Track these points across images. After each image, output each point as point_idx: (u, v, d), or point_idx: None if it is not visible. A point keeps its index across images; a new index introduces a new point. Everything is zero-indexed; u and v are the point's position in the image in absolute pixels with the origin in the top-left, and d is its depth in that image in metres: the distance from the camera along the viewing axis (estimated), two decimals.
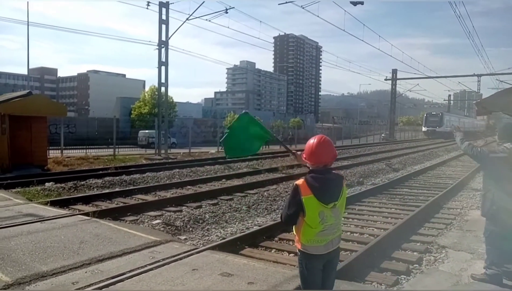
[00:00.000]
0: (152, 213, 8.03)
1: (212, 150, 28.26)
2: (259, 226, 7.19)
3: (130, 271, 4.17)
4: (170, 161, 18.91)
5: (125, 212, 8.05)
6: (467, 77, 54.43)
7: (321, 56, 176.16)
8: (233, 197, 10.04)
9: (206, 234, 6.89)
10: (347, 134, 49.50)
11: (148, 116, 38.07)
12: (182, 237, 6.58)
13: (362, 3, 18.08)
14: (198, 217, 7.75)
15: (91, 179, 12.05)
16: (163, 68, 21.83)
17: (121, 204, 9.00)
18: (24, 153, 14.08)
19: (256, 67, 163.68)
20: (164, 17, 21.30)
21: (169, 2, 21.37)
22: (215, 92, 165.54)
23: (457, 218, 7.87)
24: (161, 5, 21.15)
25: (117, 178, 12.51)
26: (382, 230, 6.86)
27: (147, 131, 33.64)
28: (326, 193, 2.64)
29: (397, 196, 10.55)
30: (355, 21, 23.44)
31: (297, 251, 2.83)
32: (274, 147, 35.38)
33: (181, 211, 8.30)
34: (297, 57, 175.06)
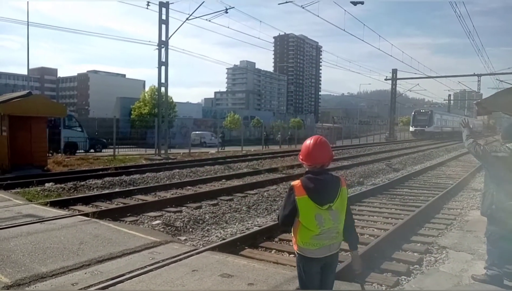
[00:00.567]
0: (152, 214, 8.02)
1: (212, 150, 28.26)
2: (259, 226, 7.19)
3: (129, 272, 4.16)
4: (170, 161, 18.90)
5: (125, 212, 8.03)
6: (467, 77, 54.29)
7: (321, 56, 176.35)
8: (233, 197, 10.03)
9: (206, 234, 6.88)
10: (347, 134, 49.49)
11: (148, 117, 38.04)
12: (182, 238, 6.57)
13: (362, 2, 18.08)
14: (198, 218, 7.74)
15: (91, 179, 12.04)
16: (163, 68, 21.82)
17: (121, 205, 8.99)
18: (24, 153, 14.06)
19: (256, 67, 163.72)
20: (164, 17, 21.29)
21: (169, 2, 21.36)
22: (215, 92, 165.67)
23: (458, 218, 7.86)
24: (161, 5, 21.14)
25: (117, 178, 12.50)
26: (382, 231, 6.85)
27: (199, 132, 36.12)
28: (321, 193, 2.61)
29: (397, 196, 10.54)
30: (355, 21, 23.47)
31: (295, 252, 2.81)
32: (273, 147, 35.41)
33: (181, 211, 8.29)
34: (297, 57, 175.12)
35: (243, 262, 4.66)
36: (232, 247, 5.67)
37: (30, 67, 40.10)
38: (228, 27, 23.75)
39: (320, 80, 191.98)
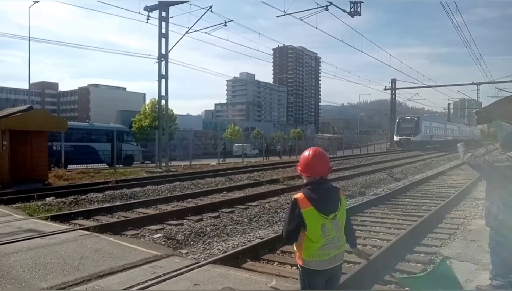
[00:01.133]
0: (153, 227, 7.97)
1: (213, 162, 28.24)
2: (261, 238, 7.13)
3: (130, 287, 4.12)
4: (171, 173, 18.88)
5: (125, 226, 7.99)
6: (466, 86, 54.06)
7: (320, 67, 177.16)
8: (234, 209, 9.99)
9: (207, 247, 6.83)
10: (348, 145, 49.57)
11: (148, 129, 38.16)
12: (184, 251, 6.52)
13: (360, 14, 18.23)
14: (200, 230, 7.69)
15: (92, 193, 12.01)
16: (163, 81, 21.94)
17: (122, 218, 8.95)
18: (25, 167, 14.05)
19: (256, 78, 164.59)
20: (164, 30, 21.50)
21: (169, 16, 21.58)
22: (215, 104, 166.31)
23: (461, 228, 7.80)
24: (160, 19, 21.36)
25: (118, 191, 12.47)
26: (385, 241, 6.80)
27: (240, 144, 37.87)
28: (326, 203, 2.62)
29: (399, 206, 10.49)
30: (354, 32, 23.64)
31: (298, 267, 2.78)
32: (274, 158, 35.36)
33: (182, 224, 8.24)
34: (297, 68, 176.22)
35: (245, 275, 4.61)
36: (234, 260, 5.62)
37: (31, 82, 40.48)
38: (227, 40, 23.94)
39: (320, 91, 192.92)
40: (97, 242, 5.92)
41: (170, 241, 7.04)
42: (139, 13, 20.86)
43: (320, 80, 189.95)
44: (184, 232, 7.47)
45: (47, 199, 10.89)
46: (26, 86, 41.72)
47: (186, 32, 21.91)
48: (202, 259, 5.76)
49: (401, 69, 56.35)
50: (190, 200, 11.59)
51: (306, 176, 2.74)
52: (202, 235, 7.51)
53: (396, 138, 47.10)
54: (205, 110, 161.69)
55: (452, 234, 7.32)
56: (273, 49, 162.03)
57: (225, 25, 21.74)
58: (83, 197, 11.48)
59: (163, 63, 21.68)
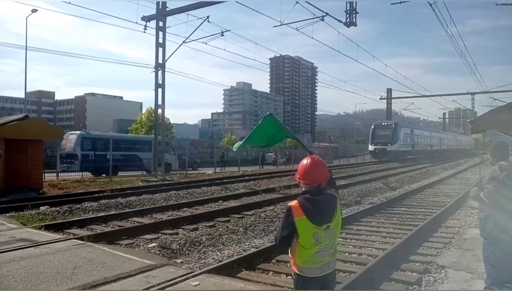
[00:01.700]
0: (148, 236, 7.92)
1: (209, 171, 28.17)
2: (256, 248, 7.11)
3: None
4: (166, 182, 18.81)
5: (120, 235, 7.93)
6: (461, 95, 54.21)
7: (316, 77, 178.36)
8: (230, 218, 9.95)
9: (202, 256, 6.79)
10: (344, 153, 49.61)
11: None
12: (178, 261, 6.48)
13: (355, 24, 18.42)
14: (195, 240, 7.65)
15: (87, 202, 11.93)
16: (159, 90, 21.96)
17: (117, 227, 8.90)
18: (20, 176, 13.97)
19: (253, 88, 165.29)
20: (161, 40, 21.58)
21: (166, 26, 21.70)
22: (212, 113, 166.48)
23: (456, 237, 7.81)
24: (158, 28, 21.46)
25: (113, 200, 12.39)
26: (380, 250, 6.79)
27: (272, 153, 40.73)
28: (319, 214, 2.62)
29: (395, 215, 10.49)
30: (349, 42, 23.81)
31: (292, 274, 2.78)
32: (269, 167, 35.32)
33: (177, 233, 8.20)
34: (293, 77, 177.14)
35: (240, 284, 4.59)
36: (229, 270, 5.58)
37: (27, 91, 40.32)
38: (224, 50, 24.03)
39: (316, 100, 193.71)
40: (91, 252, 5.87)
41: (165, 250, 6.99)
42: (136, 22, 21.00)
43: (316, 90, 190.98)
44: (179, 241, 7.43)
45: (41, 208, 10.80)
46: (22, 95, 41.63)
47: (183, 42, 22.01)
48: (197, 269, 5.72)
49: (396, 79, 56.86)
50: (185, 209, 11.53)
51: (304, 183, 2.75)
52: (197, 244, 7.47)
53: (370, 147, 40.61)
54: (202, 119, 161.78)
55: (447, 243, 7.32)
56: (270, 58, 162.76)
57: (222, 35, 21.87)
58: (77, 206, 11.39)
59: (160, 72, 21.72)
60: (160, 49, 21.66)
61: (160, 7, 21.18)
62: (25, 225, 8.45)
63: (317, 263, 2.62)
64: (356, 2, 18.50)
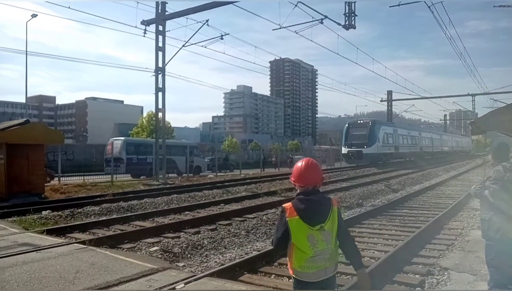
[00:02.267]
0: (150, 240, 7.92)
1: (211, 175, 28.17)
2: (258, 251, 7.09)
3: None
4: (168, 186, 18.82)
5: (122, 239, 7.94)
6: (461, 97, 54.27)
7: (316, 79, 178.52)
8: (231, 221, 9.95)
9: (204, 260, 6.78)
10: None
11: None
12: (180, 264, 6.47)
13: (354, 27, 18.45)
14: (197, 243, 7.64)
15: (88, 206, 11.93)
16: (160, 94, 22.02)
17: (118, 231, 8.89)
18: (21, 181, 13.98)
19: (253, 91, 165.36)
20: (160, 44, 21.66)
21: (166, 30, 21.78)
22: (213, 117, 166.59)
23: (458, 239, 7.79)
24: (157, 32, 21.55)
25: (115, 204, 12.40)
26: (383, 253, 6.77)
27: (298, 156, 40.51)
28: (311, 214, 2.61)
29: (397, 217, 10.47)
30: (349, 45, 23.88)
31: (292, 277, 2.77)
32: (270, 170, 35.32)
33: (179, 237, 8.19)
34: (293, 80, 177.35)
35: (242, 288, 4.58)
36: (231, 273, 5.58)
37: (28, 95, 40.45)
38: (224, 53, 24.09)
39: (317, 103, 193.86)
40: (93, 256, 5.87)
41: (167, 254, 6.99)
42: (136, 27, 21.07)
43: (317, 92, 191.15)
44: (181, 245, 7.42)
45: (43, 212, 10.82)
46: (23, 100, 41.76)
47: (183, 46, 22.11)
48: (199, 272, 5.71)
49: (396, 81, 56.52)
50: (187, 212, 11.54)
51: (299, 185, 2.77)
52: (199, 247, 7.46)
53: (343, 150, 34.64)
54: (203, 123, 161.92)
55: (450, 245, 7.30)
56: (270, 62, 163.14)
57: (222, 39, 21.93)
58: (79, 210, 11.40)
59: (160, 76, 21.79)
60: (160, 53, 21.74)
61: (159, 11, 21.27)
62: (27, 229, 8.45)
63: (312, 268, 2.59)
64: (355, 4, 18.58)
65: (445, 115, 78.03)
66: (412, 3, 19.52)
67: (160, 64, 21.75)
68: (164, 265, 5.61)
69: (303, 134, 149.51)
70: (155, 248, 7.30)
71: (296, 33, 19.50)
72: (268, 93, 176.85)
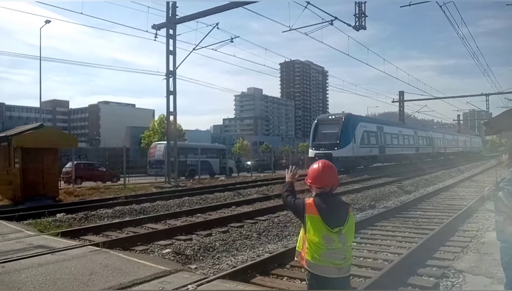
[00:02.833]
0: (162, 242, 7.97)
1: (222, 177, 28.25)
2: (270, 253, 7.09)
3: None
4: (179, 188, 18.92)
5: (135, 241, 8.00)
6: (475, 97, 53.33)
7: (327, 81, 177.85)
8: (243, 224, 9.96)
9: (216, 262, 6.80)
10: None
11: None
12: (193, 266, 6.50)
13: (364, 28, 18.33)
14: (209, 245, 7.67)
15: (102, 209, 12.07)
16: (171, 97, 22.19)
17: (131, 234, 8.98)
18: (36, 184, 14.23)
19: (263, 93, 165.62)
20: (171, 48, 21.84)
21: (176, 34, 21.95)
22: (224, 119, 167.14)
23: (473, 241, 7.66)
24: (168, 36, 21.73)
25: (127, 207, 12.52)
26: (396, 255, 6.70)
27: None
28: (333, 215, 2.63)
29: (410, 219, 10.35)
30: (359, 46, 23.72)
31: (306, 270, 2.76)
32: (281, 172, 35.28)
33: (191, 239, 8.23)
34: (304, 82, 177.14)
35: (254, 290, 4.58)
36: (243, 275, 5.57)
37: (42, 100, 41.18)
38: (234, 56, 24.18)
39: (328, 105, 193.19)
40: (107, 258, 5.93)
41: (179, 256, 7.02)
42: (147, 31, 21.28)
43: (327, 94, 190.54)
44: (193, 247, 7.45)
45: (58, 215, 10.98)
46: (37, 104, 42.52)
47: (193, 49, 22.24)
48: (211, 274, 5.72)
49: (408, 81, 55.47)
50: (199, 214, 11.58)
51: (316, 187, 2.75)
52: (211, 250, 7.48)
53: (310, 153, 27.63)
54: (214, 125, 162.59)
55: (465, 247, 7.19)
56: (280, 64, 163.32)
57: (232, 41, 22.01)
58: (93, 212, 11.54)
59: (171, 79, 21.96)
60: (171, 57, 21.92)
61: (170, 15, 21.45)
62: (42, 232, 8.59)
63: (324, 262, 2.60)
64: (365, 5, 18.46)
65: (459, 115, 77.02)
66: (423, 3, 19.30)
67: (171, 68, 21.93)
68: (176, 267, 5.64)
69: None
70: (167, 250, 7.35)
71: (306, 34, 19.47)
72: (278, 95, 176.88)
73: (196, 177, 27.24)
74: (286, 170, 3.25)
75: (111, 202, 13.80)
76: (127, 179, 21.39)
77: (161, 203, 13.35)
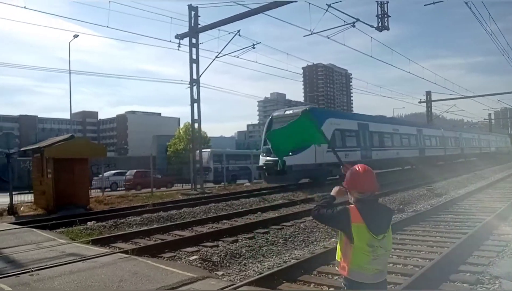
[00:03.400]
0: (189, 249, 8.06)
1: (247, 183, 28.33)
2: (297, 259, 7.02)
3: None
4: (205, 195, 19.09)
5: (162, 248, 8.12)
6: (506, 95, 51.26)
7: (351, 83, 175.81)
8: (269, 230, 9.93)
9: (243, 269, 6.79)
10: None
11: (183, 152, 39.02)
12: (219, 273, 6.52)
13: (387, 28, 18.04)
14: (235, 252, 7.68)
15: (130, 217, 12.33)
16: (195, 105, 22.51)
17: (159, 241, 9.12)
18: (68, 193, 14.71)
19: (287, 98, 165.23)
20: (194, 56, 22.20)
21: (199, 42, 22.30)
22: (248, 125, 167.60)
23: (510, 245, 7.32)
24: (191, 45, 22.11)
25: (155, 214, 12.73)
26: (427, 261, 6.49)
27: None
28: (377, 222, 2.54)
29: (441, 223, 10.02)
30: (383, 47, 23.36)
31: (342, 281, 2.69)
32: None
33: (217, 246, 8.28)
34: (327, 85, 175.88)
35: None
36: (269, 282, 5.54)
37: (72, 112, 42.66)
38: (256, 62, 24.38)
39: (352, 107, 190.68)
40: (135, 265, 6.04)
41: (206, 263, 7.06)
42: (170, 41, 21.73)
43: (351, 96, 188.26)
44: (220, 254, 7.48)
45: (89, 223, 11.30)
46: (68, 116, 44.10)
47: (216, 57, 22.54)
48: (238, 281, 5.72)
49: (435, 81, 53.72)
50: (225, 221, 11.64)
51: (358, 191, 2.65)
52: (237, 256, 7.49)
53: (261, 160, 20.95)
54: (238, 132, 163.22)
55: (500, 252, 6.88)
56: (303, 68, 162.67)
57: (253, 48, 22.16)
58: (122, 220, 11.80)
59: (194, 88, 22.31)
60: (194, 65, 22.27)
61: (192, 24, 21.84)
62: (74, 240, 8.86)
63: (370, 270, 2.54)
64: (387, 5, 18.18)
65: (490, 114, 74.21)
66: (448, 0, 18.80)
67: (194, 76, 22.27)
68: (203, 274, 5.68)
69: None
70: (194, 257, 7.42)
71: (328, 38, 19.35)
72: (302, 99, 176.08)
73: (238, 182, 29.35)
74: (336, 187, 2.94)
75: (139, 209, 14.08)
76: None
77: (187, 210, 13.50)
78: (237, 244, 8.29)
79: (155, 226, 11.17)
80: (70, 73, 36.80)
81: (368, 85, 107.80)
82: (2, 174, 23.39)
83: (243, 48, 22.42)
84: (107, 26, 18.68)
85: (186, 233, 9.99)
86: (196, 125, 23.20)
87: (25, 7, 16.59)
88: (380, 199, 14.56)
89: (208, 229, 10.48)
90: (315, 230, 9.63)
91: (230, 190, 21.77)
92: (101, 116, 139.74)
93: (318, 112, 22.81)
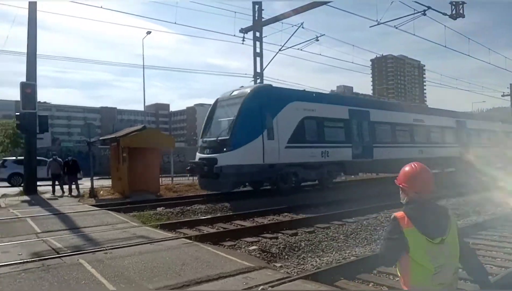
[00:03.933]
0: (249, 239, 8.23)
1: None
2: (357, 256, 6.84)
3: None
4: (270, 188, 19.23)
5: (224, 237, 8.41)
6: None
7: (424, 75, 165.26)
8: (329, 225, 9.79)
9: (301, 262, 6.78)
10: None
11: None
12: (278, 264, 6.58)
13: (463, 16, 16.58)
14: (294, 245, 7.68)
15: (196, 205, 12.91)
16: None
17: (221, 229, 9.46)
18: (140, 180, 15.79)
19: (354, 91, 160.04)
20: (258, 50, 22.36)
21: (263, 36, 22.42)
22: None
23: None
24: (255, 39, 22.29)
25: (219, 204, 13.16)
26: (503, 269, 5.96)
27: None
28: (430, 225, 2.31)
29: None
30: (458, 36, 21.56)
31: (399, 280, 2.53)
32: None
33: (277, 237, 8.36)
34: (398, 77, 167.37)
35: None
36: (326, 277, 5.47)
37: (146, 104, 45.45)
38: (321, 54, 23.87)
39: (426, 100, 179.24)
40: (197, 251, 6.32)
41: (265, 253, 7.17)
42: (234, 35, 22.11)
43: (425, 89, 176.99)
44: (279, 246, 7.54)
45: (158, 209, 12.05)
46: (142, 108, 47.11)
47: (279, 50, 22.48)
48: (295, 274, 5.74)
49: None
50: (286, 214, 11.68)
51: (413, 191, 2.44)
52: (296, 249, 7.49)
53: (198, 156, 15.67)
54: None
55: None
56: (371, 60, 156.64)
57: (317, 40, 21.78)
58: (188, 208, 12.40)
59: (258, 81, 22.51)
60: (258, 59, 22.44)
61: (256, 18, 21.99)
62: (144, 223, 9.50)
63: (434, 285, 2.28)
64: None
65: None
66: None
67: (258, 69, 22.46)
68: (261, 264, 5.77)
69: None
70: (253, 247, 7.56)
71: (396, 28, 18.35)
72: (370, 92, 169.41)
73: None
74: None
75: (205, 198, 14.65)
76: None
77: (250, 201, 13.76)
78: (297, 237, 8.29)
79: (218, 214, 11.59)
80: (143, 68, 39.11)
81: (442, 77, 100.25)
82: (85, 161, 25.79)
83: (307, 41, 22.13)
84: (175, 23, 19.70)
85: (247, 223, 10.21)
86: None
87: (101, 7, 18.02)
88: (453, 200, 13.60)
89: (269, 220, 10.62)
90: (378, 228, 9.29)
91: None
92: (172, 108, 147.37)
93: (273, 92, 15.67)
